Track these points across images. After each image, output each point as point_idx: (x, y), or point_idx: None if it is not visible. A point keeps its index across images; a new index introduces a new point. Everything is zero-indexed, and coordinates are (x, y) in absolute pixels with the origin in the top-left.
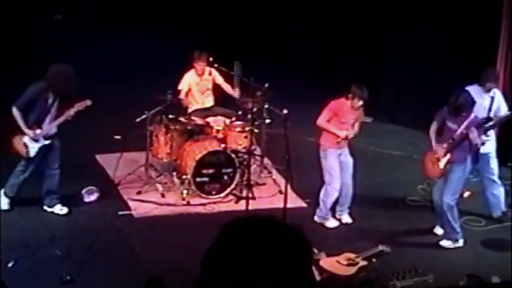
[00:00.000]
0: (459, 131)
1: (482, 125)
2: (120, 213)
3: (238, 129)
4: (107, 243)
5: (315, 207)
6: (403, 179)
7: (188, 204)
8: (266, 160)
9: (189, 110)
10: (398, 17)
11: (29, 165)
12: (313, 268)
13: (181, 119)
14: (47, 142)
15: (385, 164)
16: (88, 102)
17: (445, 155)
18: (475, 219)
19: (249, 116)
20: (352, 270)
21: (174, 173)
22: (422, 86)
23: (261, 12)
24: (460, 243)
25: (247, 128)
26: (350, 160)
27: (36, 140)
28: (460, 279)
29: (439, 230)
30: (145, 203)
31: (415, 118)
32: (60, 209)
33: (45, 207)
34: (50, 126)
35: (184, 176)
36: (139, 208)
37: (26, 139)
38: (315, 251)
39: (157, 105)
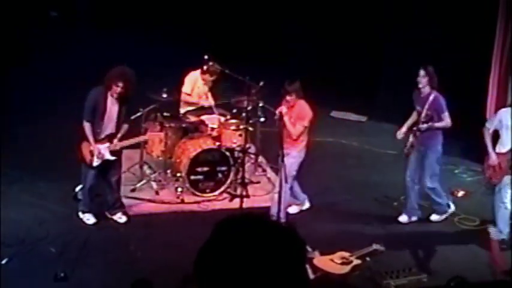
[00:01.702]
0: (423, 113)
1: (437, 110)
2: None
3: (233, 127)
4: (101, 240)
5: (310, 206)
6: (398, 178)
7: (182, 202)
8: (260, 158)
9: (182, 110)
10: (397, 17)
11: (87, 174)
12: (307, 266)
13: (176, 116)
14: (112, 158)
15: (380, 163)
16: (161, 135)
17: (414, 136)
18: (468, 218)
19: (244, 114)
20: (346, 269)
21: (169, 171)
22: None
23: (261, 12)
24: (450, 210)
25: (241, 126)
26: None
27: (104, 152)
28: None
29: (403, 218)
30: (140, 201)
31: (408, 117)
32: (119, 218)
33: (107, 214)
34: (118, 144)
35: (178, 174)
36: (133, 206)
37: (92, 147)
38: (309, 249)
39: (152, 103)
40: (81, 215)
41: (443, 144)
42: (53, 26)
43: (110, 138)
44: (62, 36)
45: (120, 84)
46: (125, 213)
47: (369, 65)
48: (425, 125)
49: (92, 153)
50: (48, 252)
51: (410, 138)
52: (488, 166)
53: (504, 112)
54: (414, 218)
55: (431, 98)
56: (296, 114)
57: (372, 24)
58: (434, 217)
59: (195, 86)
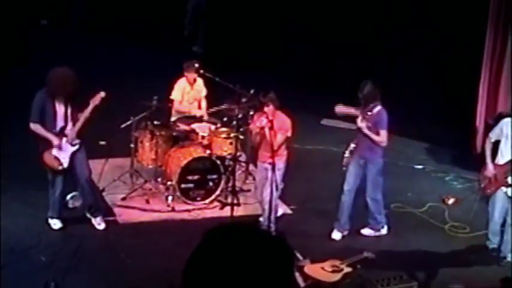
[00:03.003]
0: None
1: (378, 124)
2: (104, 219)
3: (224, 135)
4: (92, 249)
5: (300, 214)
6: (388, 185)
7: (173, 210)
8: (251, 166)
9: (173, 118)
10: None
11: (55, 180)
12: (298, 275)
13: (167, 124)
14: (75, 148)
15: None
16: (102, 94)
17: (351, 144)
18: (459, 226)
19: (234, 122)
20: (337, 276)
21: (159, 179)
22: (409, 93)
23: (261, 13)
24: (384, 231)
25: (232, 135)
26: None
27: (65, 149)
28: (444, 286)
29: (337, 235)
30: (130, 209)
31: (400, 125)
32: (98, 223)
33: (88, 215)
34: (73, 130)
35: (169, 182)
36: (124, 214)
37: (55, 152)
38: (300, 257)
39: (143, 111)
40: (49, 221)
41: (434, 151)
42: (44, 33)
43: (62, 132)
44: (63, 36)
45: (61, 86)
46: (104, 220)
47: (358, 73)
48: (364, 124)
49: (57, 158)
50: (38, 260)
51: (352, 144)
52: (484, 177)
53: (506, 121)
54: (346, 233)
55: (375, 110)
56: (279, 125)
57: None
58: (366, 231)
59: (184, 92)
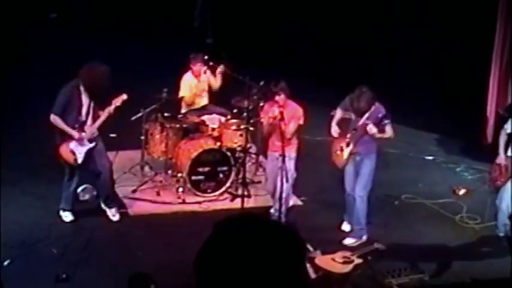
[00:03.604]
0: (360, 122)
1: (381, 120)
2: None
3: (234, 127)
4: (103, 241)
5: (311, 205)
6: (399, 176)
7: (183, 202)
8: (261, 158)
9: (183, 110)
10: (396, 17)
11: (73, 173)
12: (309, 266)
13: (177, 117)
14: (92, 145)
15: (381, 162)
16: (124, 97)
17: (348, 145)
18: (470, 216)
19: (244, 114)
20: (347, 268)
21: (170, 171)
22: (418, 84)
23: (261, 12)
24: (364, 239)
25: (242, 126)
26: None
27: (82, 144)
28: (455, 276)
29: (346, 227)
30: (141, 201)
31: (410, 116)
32: (112, 215)
33: (103, 206)
34: (93, 127)
35: (179, 174)
36: (134, 206)
37: (72, 145)
38: (311, 249)
39: (153, 104)
40: (61, 213)
41: (444, 142)
42: (52, 28)
43: (82, 127)
44: (63, 36)
45: (98, 82)
46: (118, 211)
47: (369, 64)
48: (375, 130)
49: (73, 152)
50: (49, 253)
51: (353, 149)
52: (496, 167)
53: None
54: (365, 238)
55: (372, 110)
56: (290, 114)
57: (371, 24)
58: (348, 241)
59: (191, 86)
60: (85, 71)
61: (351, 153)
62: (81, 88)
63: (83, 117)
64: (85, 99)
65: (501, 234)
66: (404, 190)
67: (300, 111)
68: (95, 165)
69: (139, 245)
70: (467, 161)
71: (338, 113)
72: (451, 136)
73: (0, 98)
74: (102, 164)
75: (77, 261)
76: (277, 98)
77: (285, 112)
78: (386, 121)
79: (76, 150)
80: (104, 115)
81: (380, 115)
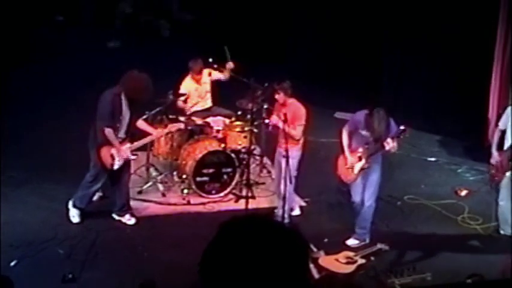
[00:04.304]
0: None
1: (399, 135)
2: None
3: (238, 129)
4: (109, 242)
5: (315, 206)
6: (402, 177)
7: (188, 203)
8: (265, 159)
9: (188, 112)
10: (399, 19)
11: (100, 175)
12: (312, 266)
13: (182, 119)
14: (134, 157)
15: (384, 163)
16: (181, 126)
17: (359, 160)
18: (472, 217)
19: (249, 116)
20: (351, 268)
21: (175, 173)
22: (421, 85)
23: (263, 12)
24: (367, 241)
25: (246, 128)
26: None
27: (123, 155)
28: (457, 276)
29: (353, 242)
30: (146, 203)
31: (413, 118)
32: (128, 219)
33: (114, 215)
34: (140, 142)
35: (184, 176)
36: (140, 207)
37: (113, 150)
38: (314, 249)
39: (158, 106)
40: (71, 207)
41: (446, 144)
42: (59, 30)
43: (128, 138)
44: (68, 37)
45: (136, 89)
46: (133, 215)
47: (372, 65)
48: (395, 144)
49: (112, 157)
50: (56, 253)
51: (365, 164)
52: (492, 164)
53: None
54: (367, 240)
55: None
56: (292, 115)
57: (374, 25)
58: (351, 242)
59: (191, 90)
60: (128, 79)
61: (362, 169)
62: (122, 96)
63: (122, 126)
64: (124, 107)
65: (503, 233)
66: (407, 191)
67: (301, 109)
68: (118, 173)
69: (144, 246)
70: (469, 162)
71: (346, 136)
72: (453, 138)
73: (7, 99)
74: (123, 173)
75: (83, 262)
76: (276, 96)
77: (287, 111)
78: (403, 135)
79: (116, 157)
80: (154, 136)
81: (396, 130)
